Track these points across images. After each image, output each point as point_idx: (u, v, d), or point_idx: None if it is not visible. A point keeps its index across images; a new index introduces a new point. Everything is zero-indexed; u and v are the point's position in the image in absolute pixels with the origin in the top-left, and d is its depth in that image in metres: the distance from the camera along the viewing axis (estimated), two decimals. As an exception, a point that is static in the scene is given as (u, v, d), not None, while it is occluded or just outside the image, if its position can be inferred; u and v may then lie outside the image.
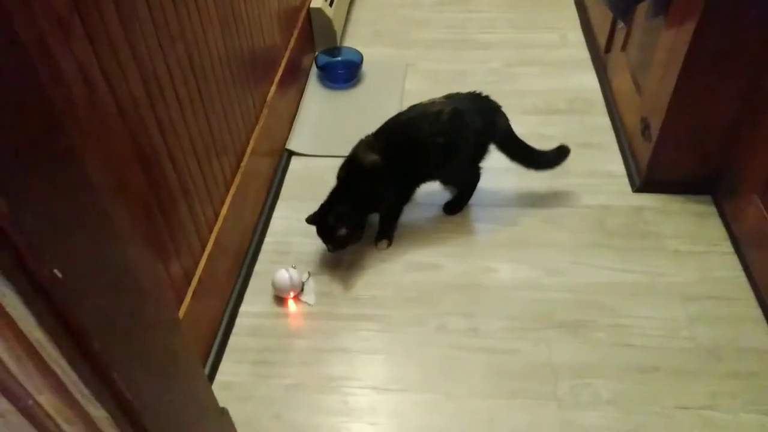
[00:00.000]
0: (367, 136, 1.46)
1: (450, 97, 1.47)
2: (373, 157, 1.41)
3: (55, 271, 0.47)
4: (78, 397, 0.58)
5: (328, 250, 1.45)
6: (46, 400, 0.60)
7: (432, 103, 1.44)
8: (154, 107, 1.03)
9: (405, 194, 1.52)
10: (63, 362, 0.53)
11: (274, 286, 1.39)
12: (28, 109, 0.44)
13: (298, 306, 1.40)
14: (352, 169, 1.44)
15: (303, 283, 1.42)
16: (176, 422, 0.72)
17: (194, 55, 1.20)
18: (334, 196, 1.43)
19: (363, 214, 1.46)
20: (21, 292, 0.46)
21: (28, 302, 0.47)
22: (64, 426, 0.64)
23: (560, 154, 1.56)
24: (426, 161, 1.46)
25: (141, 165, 1.00)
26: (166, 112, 1.08)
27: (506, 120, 1.50)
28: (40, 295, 0.47)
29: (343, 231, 1.39)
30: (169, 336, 0.72)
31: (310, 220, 1.42)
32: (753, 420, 1.17)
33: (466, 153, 1.49)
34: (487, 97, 1.50)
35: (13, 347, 0.52)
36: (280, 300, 1.42)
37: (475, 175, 1.57)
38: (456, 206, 1.60)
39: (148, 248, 1.03)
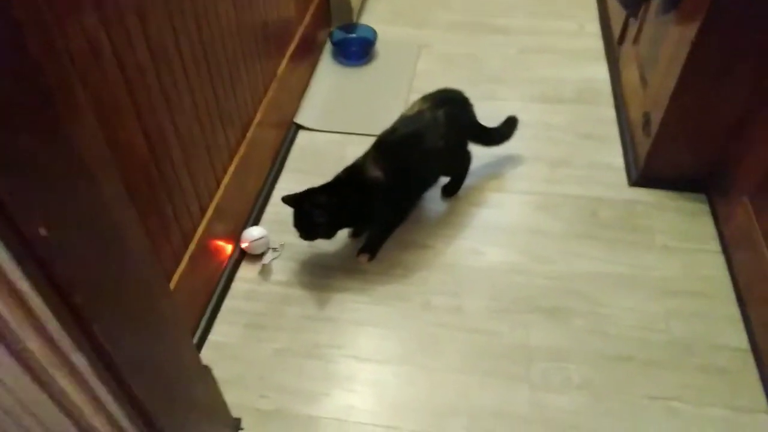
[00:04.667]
0: (370, 150, 1.44)
1: (426, 99, 1.51)
2: (377, 174, 1.40)
3: (41, 229, 0.53)
4: (62, 345, 0.65)
5: (300, 236, 1.41)
6: (35, 346, 0.67)
7: (420, 110, 1.47)
8: (159, 75, 1.09)
9: (403, 213, 1.54)
10: (47, 312, 0.59)
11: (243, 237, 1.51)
12: (20, 82, 0.49)
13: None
14: (352, 178, 1.41)
15: (269, 249, 1.51)
16: (155, 376, 0.79)
17: (204, 28, 1.24)
18: (323, 188, 1.39)
19: (342, 219, 1.42)
20: (9, 247, 0.52)
21: (16, 256, 0.53)
22: (51, 370, 0.72)
23: (510, 125, 1.66)
24: (431, 168, 1.52)
25: (143, 131, 1.06)
26: (171, 81, 1.13)
27: (473, 107, 1.59)
28: (26, 251, 0.53)
29: (320, 219, 1.36)
30: (154, 296, 0.78)
31: (287, 200, 1.39)
32: (717, 414, 1.21)
33: (458, 149, 1.59)
34: (455, 89, 1.57)
35: (4, 297, 0.59)
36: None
37: (466, 159, 1.64)
38: (453, 189, 1.64)
39: (146, 210, 1.09)
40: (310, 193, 1.39)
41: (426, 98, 1.52)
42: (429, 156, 1.47)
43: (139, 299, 0.75)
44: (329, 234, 1.43)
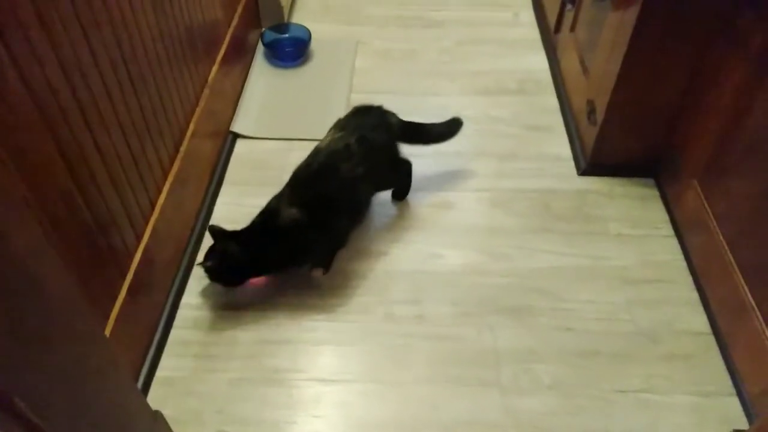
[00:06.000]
0: (284, 189, 1.36)
1: (339, 126, 1.42)
2: (291, 212, 1.31)
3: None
4: (-21, 424, 0.55)
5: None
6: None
7: (332, 139, 1.38)
8: (75, 93, 0.97)
9: (341, 238, 1.44)
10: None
11: None
12: None
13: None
14: (266, 223, 1.33)
15: None
16: (97, 437, 0.70)
17: (123, 38, 1.13)
18: (245, 235, 1.32)
19: (252, 268, 1.34)
20: None
21: None
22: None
23: (453, 125, 1.56)
24: (355, 196, 1.41)
25: (62, 157, 0.95)
26: (90, 99, 1.02)
27: (395, 116, 1.48)
28: None
29: (208, 264, 1.31)
30: (88, 350, 0.68)
31: (213, 232, 1.33)
32: (687, 401, 1.21)
33: (386, 166, 1.48)
34: (371, 106, 1.47)
35: None
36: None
37: (404, 168, 1.54)
38: (402, 194, 1.58)
39: (72, 243, 0.98)
40: (227, 237, 1.31)
41: (339, 125, 1.42)
42: (349, 184, 1.36)
43: (70, 356, 0.65)
44: (236, 283, 1.35)
